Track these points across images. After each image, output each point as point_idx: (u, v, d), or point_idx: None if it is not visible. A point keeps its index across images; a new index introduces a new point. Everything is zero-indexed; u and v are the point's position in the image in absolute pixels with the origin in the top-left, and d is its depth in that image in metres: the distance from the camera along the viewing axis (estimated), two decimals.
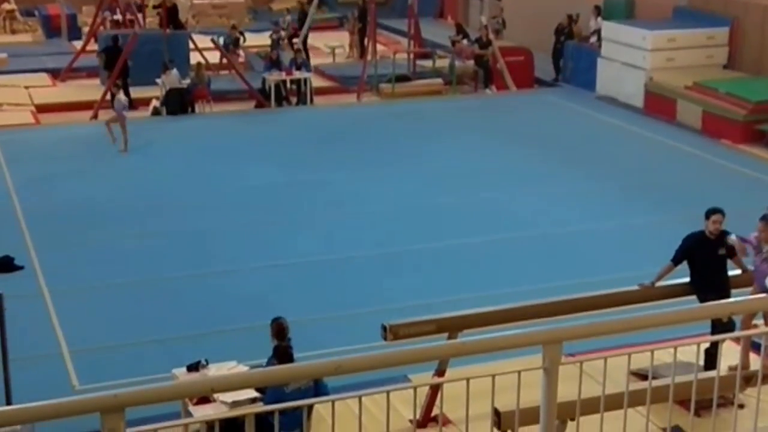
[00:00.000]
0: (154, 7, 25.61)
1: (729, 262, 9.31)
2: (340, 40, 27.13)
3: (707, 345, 8.61)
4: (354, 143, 18.96)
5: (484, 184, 16.24)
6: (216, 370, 8.81)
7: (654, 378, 5.47)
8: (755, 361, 8.46)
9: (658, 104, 20.50)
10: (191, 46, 22.66)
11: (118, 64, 21.10)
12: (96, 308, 11.77)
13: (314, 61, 24.46)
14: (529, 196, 15.58)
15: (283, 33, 25.51)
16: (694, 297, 9.01)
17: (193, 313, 11.55)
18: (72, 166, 17.37)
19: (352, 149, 18.48)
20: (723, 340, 6.39)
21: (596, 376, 5.36)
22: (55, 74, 23.96)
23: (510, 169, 17.20)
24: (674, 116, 20.01)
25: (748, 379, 7.73)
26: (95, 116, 20.14)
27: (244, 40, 25.68)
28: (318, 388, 7.81)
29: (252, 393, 8.11)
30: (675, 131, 19.41)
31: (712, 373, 5.82)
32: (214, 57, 23.56)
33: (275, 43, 24.15)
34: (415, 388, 5.04)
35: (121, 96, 18.82)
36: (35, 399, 3.90)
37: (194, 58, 22.42)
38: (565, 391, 4.87)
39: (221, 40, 24.16)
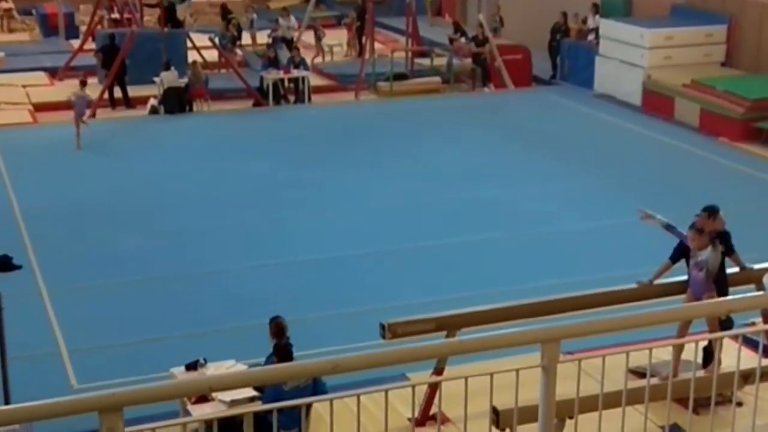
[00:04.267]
0: (151, 5, 25.55)
1: (727, 260, 9.32)
2: (338, 38, 27.13)
3: (705, 343, 8.62)
4: (352, 142, 18.96)
5: (482, 182, 16.24)
6: (214, 369, 8.81)
7: (652, 376, 5.48)
8: (752, 359, 8.46)
9: (656, 102, 20.50)
10: (189, 44, 22.67)
11: (116, 63, 21.09)
12: (94, 307, 11.76)
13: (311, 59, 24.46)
14: (526, 194, 15.58)
15: (295, 33, 25.30)
16: None
17: (192, 312, 11.55)
18: (70, 165, 17.36)
19: (350, 148, 18.48)
20: (721, 338, 6.40)
21: (594, 374, 5.37)
22: (53, 73, 23.92)
23: (508, 167, 17.20)
24: (672, 114, 20.02)
25: (747, 377, 7.73)
26: (93, 115, 20.11)
27: (240, 39, 25.69)
28: (316, 387, 7.82)
29: (250, 392, 8.11)
30: (673, 129, 19.42)
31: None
32: (212, 55, 23.57)
33: (273, 42, 24.14)
34: (413, 387, 5.04)
35: (81, 92, 18.62)
36: (33, 398, 3.89)
37: (192, 56, 22.42)
38: (564, 390, 4.88)
39: (217, 39, 24.16)
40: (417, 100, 22.22)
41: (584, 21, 23.98)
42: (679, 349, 8.22)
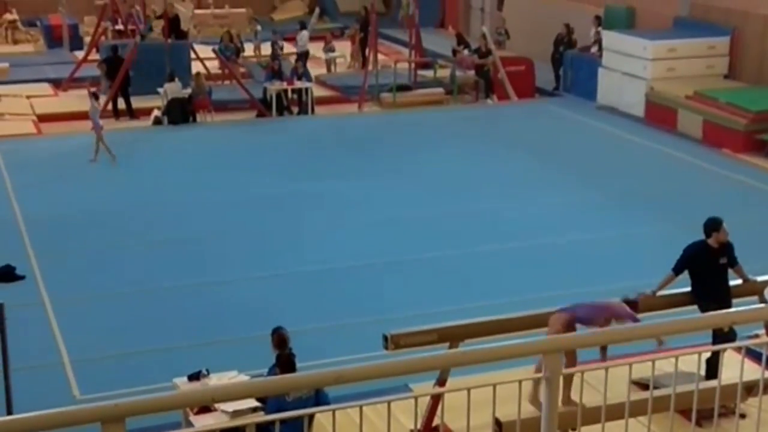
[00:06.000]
0: (158, 17, 25.64)
1: (730, 272, 9.32)
2: (342, 50, 27.18)
3: (708, 355, 8.61)
4: (355, 153, 18.98)
5: (485, 193, 16.24)
6: (217, 380, 8.81)
7: (655, 388, 5.47)
8: (755, 371, 8.45)
9: (659, 114, 20.51)
10: (192, 55, 22.71)
11: (120, 74, 21.14)
12: (97, 317, 11.77)
13: (315, 71, 24.49)
14: (529, 206, 15.58)
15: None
16: (695, 307, 9.01)
17: (195, 322, 11.55)
18: (73, 176, 17.38)
19: (352, 159, 18.49)
20: (724, 350, 6.38)
21: (597, 386, 5.36)
22: (57, 84, 23.99)
23: (511, 178, 17.20)
24: (675, 126, 20.02)
25: (750, 389, 7.71)
26: None
27: (243, 50, 25.73)
28: (319, 398, 7.81)
29: (253, 402, 8.10)
30: (675, 141, 19.42)
31: (713, 383, 5.82)
32: (215, 66, 23.60)
33: (276, 53, 24.19)
34: (416, 398, 5.04)
35: (96, 103, 18.67)
36: (36, 408, 3.89)
37: (196, 67, 22.48)
38: None
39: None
40: (420, 111, 22.24)
41: (571, 32, 23.90)
42: (569, 380, 7.27)
